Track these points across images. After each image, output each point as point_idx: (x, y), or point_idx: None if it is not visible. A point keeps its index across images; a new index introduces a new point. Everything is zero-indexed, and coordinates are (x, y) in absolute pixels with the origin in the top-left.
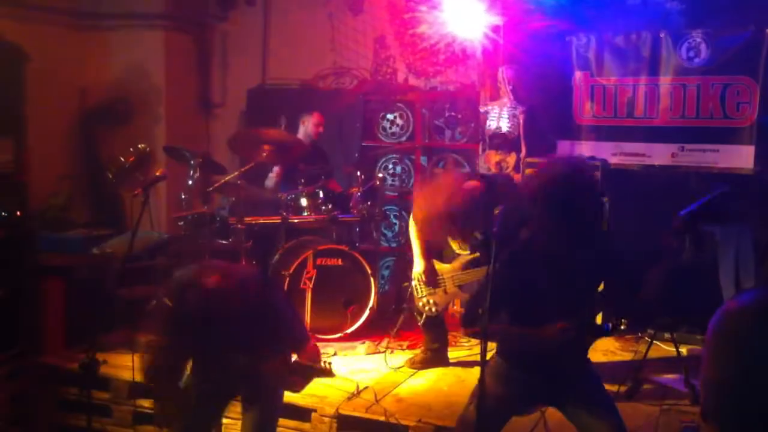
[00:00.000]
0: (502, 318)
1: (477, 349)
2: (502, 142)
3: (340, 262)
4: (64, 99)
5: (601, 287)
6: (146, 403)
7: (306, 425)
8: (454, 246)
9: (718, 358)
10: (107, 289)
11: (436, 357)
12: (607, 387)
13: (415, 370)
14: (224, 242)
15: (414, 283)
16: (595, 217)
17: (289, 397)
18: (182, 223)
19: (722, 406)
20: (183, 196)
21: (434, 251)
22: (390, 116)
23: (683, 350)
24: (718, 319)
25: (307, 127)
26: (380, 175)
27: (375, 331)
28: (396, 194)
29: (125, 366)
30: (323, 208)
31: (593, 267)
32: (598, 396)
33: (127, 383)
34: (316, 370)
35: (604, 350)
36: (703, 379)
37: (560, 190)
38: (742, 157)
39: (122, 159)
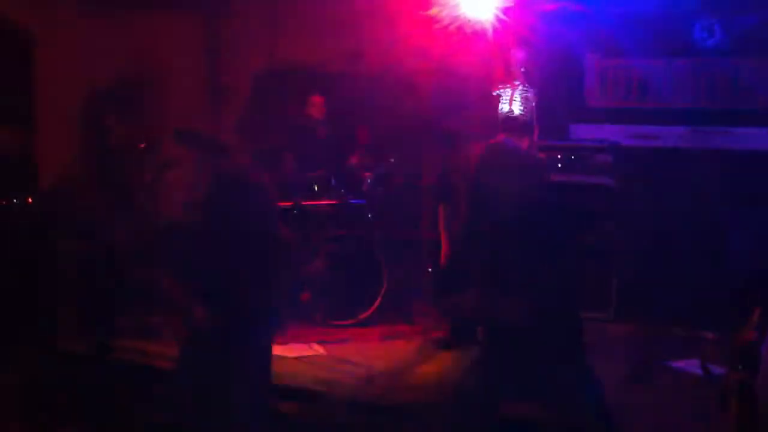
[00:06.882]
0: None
1: None
2: (514, 125)
3: (352, 248)
4: (74, 83)
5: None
6: None
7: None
8: None
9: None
10: (119, 272)
11: (463, 336)
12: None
13: (429, 356)
14: None
15: None
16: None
17: (300, 380)
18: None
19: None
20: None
21: None
22: None
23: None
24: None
25: (310, 110)
26: (392, 160)
27: (388, 316)
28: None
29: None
30: (335, 193)
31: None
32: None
33: None
34: None
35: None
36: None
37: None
38: (756, 139)
39: (133, 144)
